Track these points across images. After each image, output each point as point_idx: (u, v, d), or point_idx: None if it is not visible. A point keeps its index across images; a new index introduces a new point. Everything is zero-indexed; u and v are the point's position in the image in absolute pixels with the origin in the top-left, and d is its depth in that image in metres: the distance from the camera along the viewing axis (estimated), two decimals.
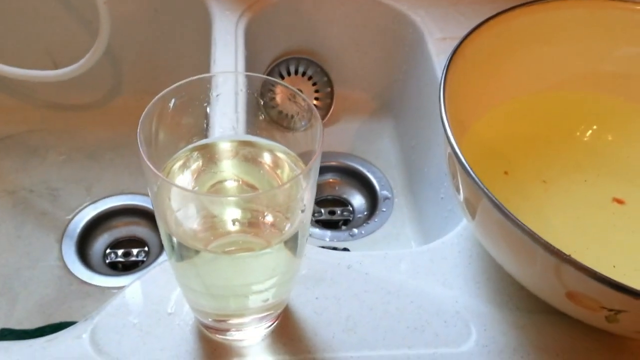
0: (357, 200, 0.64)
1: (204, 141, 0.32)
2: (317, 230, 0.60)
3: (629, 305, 0.30)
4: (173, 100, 0.29)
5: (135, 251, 0.65)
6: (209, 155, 0.33)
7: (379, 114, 0.69)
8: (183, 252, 0.29)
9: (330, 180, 0.66)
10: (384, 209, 0.61)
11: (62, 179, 0.69)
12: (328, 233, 0.60)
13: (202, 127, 0.33)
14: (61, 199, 0.67)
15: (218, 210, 0.30)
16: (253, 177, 0.33)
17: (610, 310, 0.31)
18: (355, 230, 0.60)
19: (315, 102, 0.69)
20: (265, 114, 0.34)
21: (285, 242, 0.30)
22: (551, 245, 0.30)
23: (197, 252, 0.29)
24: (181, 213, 0.29)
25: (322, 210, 0.63)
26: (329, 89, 0.69)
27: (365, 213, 0.63)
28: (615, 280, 0.29)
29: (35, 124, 0.72)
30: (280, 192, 0.28)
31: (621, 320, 0.31)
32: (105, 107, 0.73)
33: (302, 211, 0.28)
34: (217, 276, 0.32)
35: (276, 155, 0.32)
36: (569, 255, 0.30)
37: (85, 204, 0.67)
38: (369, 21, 0.65)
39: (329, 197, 0.65)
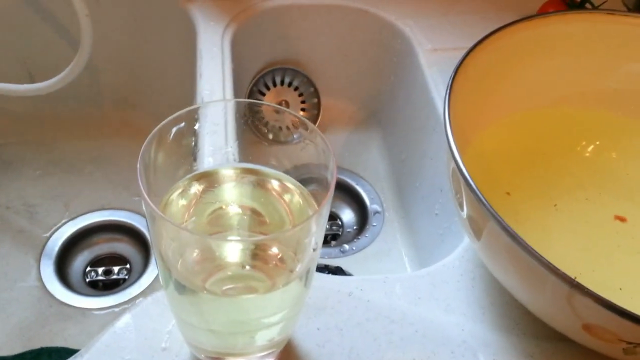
0: (347, 215, 0.62)
1: (204, 169, 0.30)
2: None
3: None
4: (174, 130, 0.27)
5: (116, 269, 0.63)
6: (210, 180, 0.31)
7: (367, 125, 0.68)
8: (181, 290, 0.28)
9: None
10: (375, 224, 0.60)
11: (39, 195, 0.66)
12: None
13: (194, 156, 0.32)
14: (38, 215, 0.65)
15: (224, 256, 0.28)
16: (257, 202, 0.31)
17: (630, 343, 0.30)
18: (346, 246, 0.58)
19: (301, 112, 0.67)
20: (258, 134, 0.33)
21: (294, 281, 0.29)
22: (564, 273, 0.29)
23: (193, 292, 0.27)
24: (179, 247, 0.27)
25: None
26: (315, 100, 0.67)
27: (355, 227, 0.61)
28: (635, 314, 0.28)
29: (10, 136, 0.69)
30: (292, 235, 0.26)
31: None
32: (83, 118, 0.70)
33: (314, 250, 0.27)
34: (218, 314, 0.30)
35: (283, 183, 0.31)
36: (587, 288, 0.29)
37: (63, 221, 0.65)
38: (356, 31, 0.63)
39: None
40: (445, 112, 0.36)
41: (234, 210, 0.31)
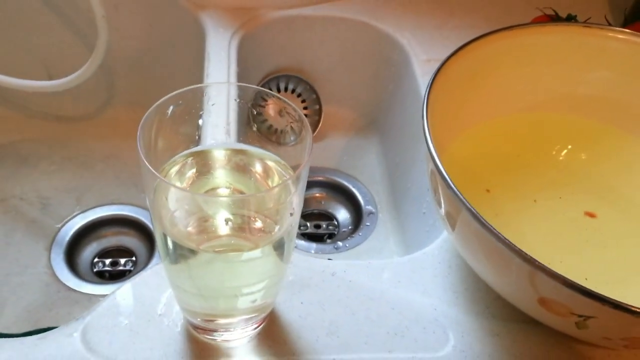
0: (342, 215, 0.66)
1: (199, 148, 0.33)
2: (303, 243, 0.62)
3: (596, 311, 0.31)
4: (171, 108, 0.31)
5: (122, 261, 0.66)
6: (203, 162, 0.34)
7: (365, 131, 0.72)
8: (177, 252, 0.31)
9: (317, 194, 0.67)
10: (368, 223, 0.63)
11: (52, 188, 0.70)
12: (313, 245, 0.62)
13: (197, 135, 0.35)
14: (51, 207, 0.68)
15: (211, 211, 0.31)
16: (244, 185, 0.35)
17: (580, 316, 0.32)
18: (340, 244, 0.62)
19: None
20: (257, 127, 0.36)
21: (274, 247, 0.32)
22: (526, 253, 0.32)
23: (190, 251, 0.30)
24: (177, 214, 0.30)
25: (308, 224, 0.65)
26: (317, 107, 0.71)
27: (350, 227, 0.64)
28: (584, 287, 0.31)
29: (28, 133, 0.74)
30: (270, 196, 0.30)
31: (590, 326, 0.33)
32: (97, 118, 0.75)
33: (291, 214, 0.30)
34: (208, 278, 0.33)
35: (267, 164, 0.34)
36: (544, 264, 0.32)
37: (74, 213, 0.68)
38: (357, 42, 0.67)
39: (315, 211, 0.66)
40: (423, 114, 0.39)
41: (223, 191, 0.35)
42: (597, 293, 0.31)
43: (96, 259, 0.66)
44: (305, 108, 0.70)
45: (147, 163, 0.27)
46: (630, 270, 0.42)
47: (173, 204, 0.31)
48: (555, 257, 0.42)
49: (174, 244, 0.30)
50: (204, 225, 0.33)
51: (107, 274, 0.65)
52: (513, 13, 0.66)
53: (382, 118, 0.70)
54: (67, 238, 0.66)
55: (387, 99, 0.68)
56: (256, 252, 0.31)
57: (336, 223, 0.65)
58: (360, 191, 0.66)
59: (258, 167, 0.34)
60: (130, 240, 0.68)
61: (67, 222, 0.67)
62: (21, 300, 0.60)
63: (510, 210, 0.46)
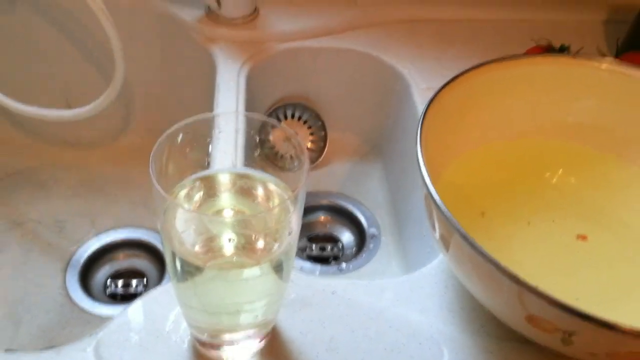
0: (347, 237, 0.68)
1: (206, 172, 0.36)
2: (307, 265, 0.64)
3: (580, 327, 0.33)
4: (181, 136, 0.33)
5: (134, 283, 0.68)
6: (210, 186, 0.37)
7: (369, 157, 0.74)
8: (184, 269, 0.33)
9: (322, 218, 0.70)
10: (372, 246, 0.65)
11: (68, 212, 0.73)
12: (318, 267, 0.64)
13: (206, 162, 0.37)
14: (67, 230, 0.71)
15: (216, 231, 0.34)
16: (247, 207, 0.37)
17: (565, 332, 0.34)
18: (344, 265, 0.64)
19: (309, 144, 0.73)
20: (263, 152, 0.38)
21: (274, 266, 0.34)
22: (514, 273, 0.34)
23: (196, 268, 0.33)
24: (185, 234, 0.33)
25: (313, 246, 0.67)
26: (322, 133, 0.73)
27: (354, 249, 0.66)
28: (568, 304, 0.32)
29: (46, 159, 0.77)
30: (270, 216, 0.32)
31: (575, 342, 0.35)
32: (113, 145, 0.78)
33: (290, 234, 0.32)
34: (212, 295, 0.35)
35: (268, 187, 0.36)
36: (530, 283, 0.33)
37: (89, 236, 0.71)
38: (361, 72, 0.70)
39: (320, 234, 0.69)
40: (417, 141, 0.41)
41: (228, 213, 0.37)
42: (580, 310, 0.32)
43: (109, 281, 0.68)
44: (311, 134, 0.73)
45: (158, 186, 0.29)
46: (620, 290, 0.44)
47: (182, 224, 0.33)
48: (547, 278, 0.44)
49: (182, 261, 0.33)
50: (210, 245, 0.35)
51: (119, 296, 0.67)
52: (510, 44, 0.69)
53: (385, 144, 0.72)
54: (82, 260, 0.69)
55: (390, 126, 0.70)
56: (256, 270, 0.33)
57: (341, 246, 0.67)
58: (364, 214, 0.68)
59: (260, 190, 0.36)
60: (142, 263, 0.70)
61: (82, 244, 0.70)
62: (36, 319, 0.63)
63: (504, 232, 0.47)
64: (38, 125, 0.77)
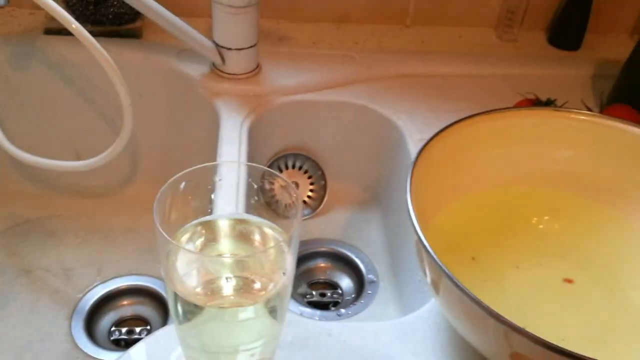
0: (346, 283, 0.69)
1: (207, 218, 0.38)
2: (307, 310, 0.66)
3: None
4: (183, 184, 0.36)
5: (138, 329, 0.70)
6: (211, 231, 0.39)
7: (368, 205, 0.76)
8: (185, 309, 0.35)
9: (322, 264, 0.72)
10: (370, 291, 0.67)
11: (76, 260, 0.75)
12: (318, 313, 0.65)
13: (208, 208, 0.40)
14: (74, 278, 0.73)
15: (215, 270, 0.36)
16: (245, 250, 0.39)
17: None
18: (343, 311, 0.65)
19: (310, 193, 0.76)
20: (263, 200, 0.41)
21: (268, 307, 0.36)
22: (499, 313, 0.36)
23: (196, 307, 0.35)
24: (186, 276, 0.35)
25: (314, 292, 0.68)
26: (322, 182, 0.76)
27: (353, 295, 0.68)
28: (549, 342, 0.34)
29: (55, 209, 0.80)
30: (266, 256, 0.34)
31: None
32: (120, 194, 0.81)
33: (284, 274, 0.34)
34: (211, 335, 0.37)
35: (265, 233, 0.39)
36: (514, 323, 0.35)
37: (95, 284, 0.73)
38: (358, 124, 0.73)
39: (320, 280, 0.70)
40: (407, 190, 0.44)
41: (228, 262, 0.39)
42: (560, 347, 0.34)
43: (113, 328, 0.70)
44: (311, 184, 0.76)
45: (161, 229, 0.32)
46: (605, 332, 0.45)
47: (183, 266, 0.35)
48: (536, 319, 0.46)
49: (183, 302, 0.35)
50: (210, 287, 0.37)
51: (123, 342, 0.69)
52: (500, 97, 0.72)
53: (383, 193, 0.75)
54: (87, 307, 0.70)
55: (387, 175, 0.73)
56: (251, 312, 0.35)
57: (340, 292, 0.69)
58: (363, 261, 0.70)
59: (258, 235, 0.39)
60: (145, 310, 0.72)
61: (88, 292, 0.72)
62: None
63: (494, 276, 0.49)
64: (47, 176, 0.80)
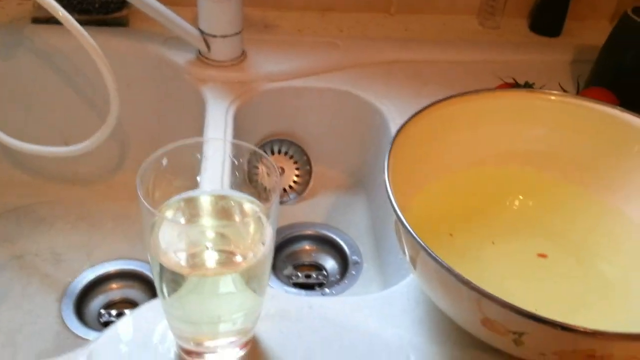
0: (330, 265, 0.71)
1: (190, 193, 0.40)
2: (293, 291, 0.67)
3: (527, 327, 0.36)
4: (165, 160, 0.37)
5: (127, 312, 0.71)
6: (193, 206, 0.41)
7: (353, 189, 0.78)
8: (170, 278, 0.37)
9: (307, 247, 0.73)
10: (354, 272, 0.68)
11: (66, 245, 0.76)
12: (303, 293, 0.67)
13: (191, 185, 0.41)
14: (64, 263, 0.74)
15: (198, 241, 0.37)
16: (227, 228, 0.41)
17: (515, 333, 0.37)
18: (327, 290, 0.67)
19: (295, 178, 0.77)
20: (245, 178, 0.42)
21: (249, 281, 0.38)
22: (470, 281, 0.38)
23: (180, 276, 0.36)
24: (170, 248, 0.37)
25: (299, 274, 0.70)
26: (308, 167, 0.77)
27: (337, 276, 0.70)
28: (516, 306, 0.36)
29: (45, 196, 0.81)
30: (245, 226, 0.36)
31: (525, 342, 0.38)
32: (109, 181, 0.82)
33: (263, 244, 0.36)
34: (194, 307, 0.39)
35: (247, 208, 0.40)
36: (484, 289, 0.37)
37: (85, 268, 0.74)
38: (342, 109, 0.75)
39: (305, 262, 0.72)
40: (385, 170, 0.45)
41: (210, 235, 0.41)
42: (525, 310, 0.36)
43: (103, 311, 0.71)
44: (297, 169, 0.77)
45: (144, 202, 0.33)
46: (576, 302, 0.47)
47: (167, 239, 0.37)
48: (510, 291, 0.47)
49: (168, 272, 0.36)
50: (194, 260, 0.39)
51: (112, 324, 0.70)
52: (481, 83, 0.74)
53: (366, 177, 0.77)
54: (77, 291, 0.72)
55: (371, 159, 0.75)
56: (232, 280, 0.36)
57: (325, 273, 0.71)
58: (347, 243, 0.72)
59: (239, 210, 0.40)
60: (134, 293, 0.73)
61: (77, 276, 0.73)
62: (33, 348, 0.65)
63: (471, 251, 0.51)
64: (37, 164, 0.81)
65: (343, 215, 0.75)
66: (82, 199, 0.81)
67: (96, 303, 0.72)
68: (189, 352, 0.41)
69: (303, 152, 0.77)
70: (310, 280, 0.70)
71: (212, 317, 0.39)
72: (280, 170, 0.77)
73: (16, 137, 0.71)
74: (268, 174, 0.39)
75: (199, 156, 0.40)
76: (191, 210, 0.40)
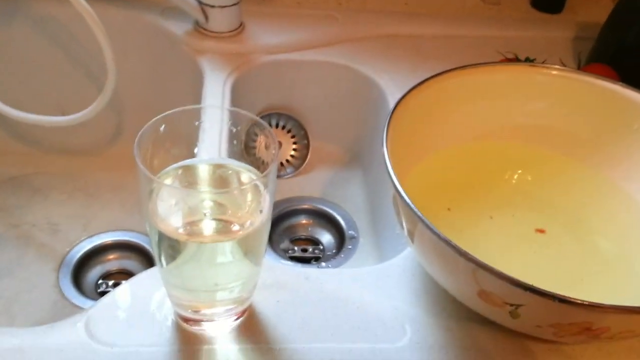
0: (327, 239, 0.71)
1: (187, 162, 0.39)
2: (289, 264, 0.67)
3: (524, 299, 0.37)
4: (163, 126, 0.37)
5: (124, 282, 0.71)
6: (191, 174, 0.40)
7: (350, 164, 0.78)
8: (168, 245, 0.37)
9: (304, 221, 0.73)
10: (350, 246, 0.69)
11: (62, 216, 0.76)
12: (299, 266, 0.67)
13: (189, 154, 0.41)
14: (61, 233, 0.74)
15: (196, 207, 0.37)
16: (224, 197, 0.41)
17: (512, 305, 0.38)
18: (323, 264, 0.67)
19: (293, 152, 0.77)
20: (242, 147, 0.42)
21: (246, 251, 0.38)
22: (467, 252, 0.38)
23: (178, 243, 0.36)
24: (168, 214, 0.36)
25: (296, 248, 0.70)
26: (305, 142, 0.77)
27: (334, 250, 0.70)
28: (513, 277, 0.36)
29: (42, 166, 0.80)
30: (243, 193, 0.36)
31: (522, 314, 0.38)
32: (106, 152, 0.82)
33: (261, 211, 0.36)
34: (192, 275, 0.39)
35: (244, 175, 0.40)
36: (481, 260, 0.37)
37: (82, 239, 0.74)
38: (340, 83, 0.74)
39: (302, 236, 0.72)
40: (384, 143, 0.45)
41: (208, 204, 0.41)
42: (522, 282, 0.36)
43: (100, 281, 0.72)
44: (294, 143, 0.77)
45: (143, 167, 0.33)
46: (573, 277, 0.48)
47: (165, 206, 0.37)
48: (507, 267, 0.47)
49: (166, 239, 0.36)
50: (191, 228, 0.39)
51: None
52: (481, 58, 0.72)
53: (364, 151, 0.76)
54: (74, 261, 0.72)
55: (369, 134, 0.75)
56: (230, 248, 0.36)
57: (321, 247, 0.71)
58: (344, 218, 0.72)
59: (236, 178, 0.40)
60: (132, 264, 0.74)
61: (74, 246, 0.73)
62: (30, 316, 0.66)
63: (469, 225, 0.51)
64: (34, 134, 0.80)
65: (340, 190, 0.75)
66: (79, 170, 0.81)
67: (94, 273, 0.72)
68: (186, 320, 0.41)
69: (301, 126, 0.77)
70: (306, 255, 0.70)
71: (210, 285, 0.39)
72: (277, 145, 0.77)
73: (12, 106, 0.70)
74: (266, 146, 0.39)
75: (197, 124, 0.40)
76: (189, 178, 0.40)
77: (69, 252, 0.72)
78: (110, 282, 0.71)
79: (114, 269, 0.73)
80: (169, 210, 0.37)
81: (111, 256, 0.74)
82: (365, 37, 0.77)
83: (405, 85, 0.70)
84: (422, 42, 0.77)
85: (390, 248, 0.63)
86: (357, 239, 0.70)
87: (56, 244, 0.73)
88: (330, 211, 0.73)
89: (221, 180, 0.40)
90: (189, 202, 0.38)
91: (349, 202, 0.74)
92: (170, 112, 0.37)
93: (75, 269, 0.71)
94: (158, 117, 0.36)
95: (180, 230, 0.38)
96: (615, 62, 0.67)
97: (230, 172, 0.41)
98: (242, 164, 0.40)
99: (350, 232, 0.71)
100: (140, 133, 0.35)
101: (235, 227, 0.38)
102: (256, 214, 0.36)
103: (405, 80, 0.70)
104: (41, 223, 0.75)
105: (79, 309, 0.67)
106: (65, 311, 0.66)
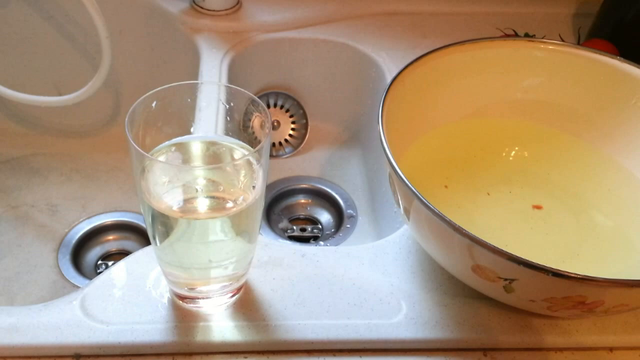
0: (326, 218, 0.71)
1: (180, 139, 0.39)
2: (288, 243, 0.67)
3: (517, 273, 0.37)
4: (155, 102, 0.37)
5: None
6: (184, 152, 0.40)
7: (348, 143, 0.78)
8: (161, 222, 0.37)
9: (302, 201, 0.73)
10: (348, 225, 0.69)
11: (61, 197, 0.76)
12: (297, 245, 0.67)
13: (181, 131, 0.41)
14: (59, 214, 0.74)
15: (188, 182, 0.37)
16: (218, 176, 0.41)
17: (506, 279, 0.38)
18: (322, 243, 0.67)
19: (291, 132, 0.77)
20: (240, 126, 0.41)
21: (240, 228, 0.38)
22: (461, 227, 0.37)
23: (172, 219, 0.36)
24: (161, 191, 0.36)
25: (295, 227, 0.70)
26: (304, 121, 0.77)
27: (333, 230, 0.70)
28: (506, 252, 0.36)
29: (40, 148, 0.80)
30: (236, 172, 0.35)
31: (515, 288, 0.38)
32: (104, 134, 0.81)
33: (254, 187, 0.36)
34: (186, 252, 0.39)
35: (237, 152, 0.40)
36: (475, 235, 0.37)
37: (81, 219, 0.74)
38: (339, 62, 0.73)
39: (300, 216, 0.72)
40: (379, 120, 0.45)
41: (201, 181, 0.40)
42: (516, 256, 0.36)
43: (99, 262, 0.72)
44: (293, 122, 0.77)
45: (134, 144, 0.33)
46: (569, 252, 0.47)
47: (158, 183, 0.36)
48: (503, 241, 0.47)
49: (160, 216, 0.36)
50: (186, 206, 0.39)
51: None
52: (481, 35, 0.73)
53: (362, 131, 0.76)
54: (74, 241, 0.72)
55: (367, 113, 0.74)
56: (223, 224, 0.36)
57: (320, 226, 0.71)
58: (342, 197, 0.72)
59: (229, 155, 0.40)
60: (130, 244, 0.74)
61: (73, 227, 0.73)
62: (30, 295, 0.66)
63: (466, 202, 0.51)
64: (31, 115, 0.80)
65: (339, 169, 0.75)
66: (77, 151, 0.80)
67: (93, 254, 0.73)
68: (182, 297, 0.42)
69: (299, 105, 0.76)
70: (305, 234, 0.70)
71: (204, 262, 0.39)
72: (275, 123, 0.77)
73: (8, 87, 0.70)
74: (262, 125, 0.38)
75: (190, 100, 0.39)
76: (182, 156, 0.40)
77: (68, 232, 0.73)
78: (110, 263, 0.71)
79: (113, 249, 0.73)
80: (162, 187, 0.37)
81: (110, 237, 0.74)
82: (364, 15, 0.76)
83: (404, 62, 0.69)
84: (421, 19, 0.76)
85: (389, 227, 0.63)
86: (356, 218, 0.70)
87: (55, 224, 0.73)
88: (329, 190, 0.73)
89: (215, 157, 0.40)
90: (182, 179, 0.38)
91: (347, 181, 0.74)
92: (161, 87, 0.37)
93: (75, 250, 0.71)
94: (150, 92, 0.36)
95: (173, 208, 0.38)
96: (616, 38, 0.66)
97: (223, 149, 0.40)
98: (236, 141, 0.40)
99: (348, 211, 0.71)
100: (131, 109, 0.35)
101: (229, 204, 0.38)
102: (249, 191, 0.36)
103: (404, 57, 0.69)
104: (40, 204, 0.75)
105: (78, 287, 0.67)
106: (64, 291, 0.67)
